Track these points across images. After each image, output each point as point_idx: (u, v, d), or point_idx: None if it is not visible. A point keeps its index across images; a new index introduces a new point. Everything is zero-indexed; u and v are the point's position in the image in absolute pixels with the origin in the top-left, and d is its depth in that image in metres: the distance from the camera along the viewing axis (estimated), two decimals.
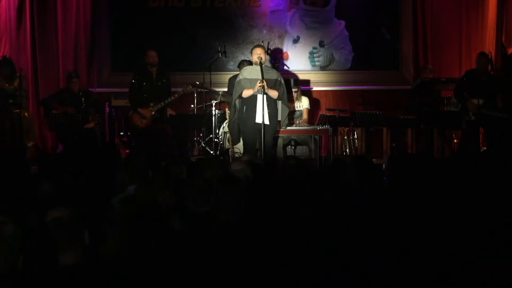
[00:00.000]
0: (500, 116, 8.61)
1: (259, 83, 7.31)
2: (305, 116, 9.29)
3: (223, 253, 2.96)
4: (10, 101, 8.94)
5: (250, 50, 8.01)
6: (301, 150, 8.84)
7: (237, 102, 7.77)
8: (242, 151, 8.09)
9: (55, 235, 2.81)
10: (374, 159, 8.12)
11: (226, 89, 9.50)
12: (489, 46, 10.25)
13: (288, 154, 8.61)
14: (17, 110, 8.95)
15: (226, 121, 9.21)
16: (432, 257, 3.01)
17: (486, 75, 8.83)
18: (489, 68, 9.03)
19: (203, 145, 9.77)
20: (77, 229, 2.83)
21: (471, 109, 8.63)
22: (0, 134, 8.98)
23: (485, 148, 9.23)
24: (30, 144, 9.21)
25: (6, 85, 9.02)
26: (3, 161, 5.32)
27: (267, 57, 8.45)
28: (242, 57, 9.76)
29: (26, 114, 9.17)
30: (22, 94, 9.13)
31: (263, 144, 7.35)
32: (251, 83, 7.54)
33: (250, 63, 8.94)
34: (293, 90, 9.24)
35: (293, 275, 2.88)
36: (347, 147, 9.82)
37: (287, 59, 10.78)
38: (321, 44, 10.83)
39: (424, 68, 10.15)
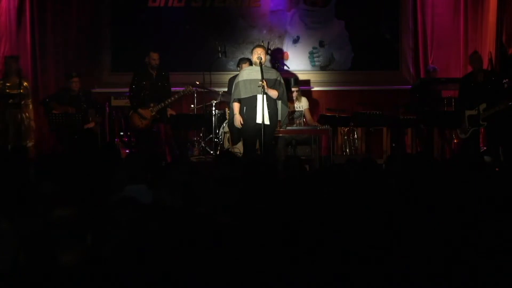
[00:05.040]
0: (501, 107, 8.56)
1: (260, 83, 7.33)
2: (308, 116, 9.28)
3: (223, 253, 2.96)
4: (10, 101, 9.00)
5: (250, 50, 8.01)
6: (301, 150, 8.85)
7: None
8: (242, 151, 8.09)
9: (57, 234, 2.81)
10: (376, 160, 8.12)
11: (226, 89, 9.50)
12: (489, 46, 10.25)
13: (288, 154, 8.61)
14: (17, 110, 9.02)
15: (226, 121, 9.22)
16: (432, 257, 3.02)
17: (482, 74, 8.84)
18: (488, 67, 9.06)
19: (203, 145, 9.78)
20: (79, 228, 2.83)
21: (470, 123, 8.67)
22: (1, 134, 9.06)
23: (485, 148, 9.24)
24: (30, 144, 9.24)
25: (18, 80, 9.13)
26: (4, 160, 5.32)
27: (267, 57, 8.45)
28: (241, 57, 9.77)
29: (27, 114, 9.22)
30: (24, 94, 9.19)
31: (263, 144, 7.35)
32: (250, 83, 7.55)
33: (249, 60, 8.96)
34: (294, 89, 9.23)
35: (293, 276, 2.88)
36: (347, 147, 9.82)
37: (287, 59, 10.78)
38: (321, 44, 10.83)
39: (433, 70, 10.16)
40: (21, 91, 9.18)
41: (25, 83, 9.29)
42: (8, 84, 9.25)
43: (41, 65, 10.42)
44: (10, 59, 9.50)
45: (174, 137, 9.61)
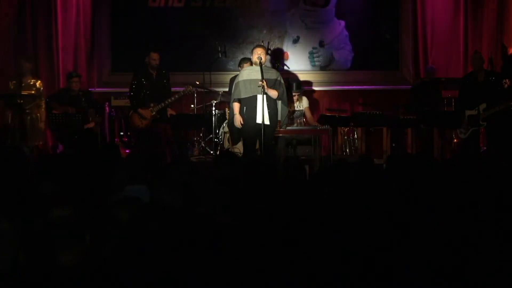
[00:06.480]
0: (501, 107, 8.55)
1: (260, 83, 7.33)
2: (309, 115, 9.25)
3: (223, 253, 2.96)
4: (21, 101, 9.02)
5: (250, 50, 8.02)
6: (302, 150, 8.85)
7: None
8: (242, 151, 8.10)
9: (56, 234, 2.81)
10: (374, 159, 8.12)
11: (226, 89, 9.50)
12: (489, 46, 10.25)
13: (288, 154, 8.61)
14: (22, 111, 9.04)
15: (226, 121, 9.22)
16: (432, 257, 3.02)
17: (483, 73, 8.84)
18: (488, 67, 9.06)
19: (203, 145, 9.78)
20: (79, 228, 2.83)
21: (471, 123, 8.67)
22: (5, 134, 9.10)
23: (485, 148, 9.24)
24: (34, 144, 9.24)
25: (32, 80, 9.12)
26: (5, 160, 5.32)
27: (268, 57, 8.45)
28: (242, 57, 9.78)
29: (38, 114, 9.22)
30: (35, 95, 9.19)
31: (263, 144, 7.35)
32: (250, 83, 7.55)
33: (250, 60, 8.95)
34: (295, 93, 9.18)
35: (293, 276, 2.88)
36: (347, 147, 9.82)
37: (287, 59, 10.78)
38: (321, 44, 10.83)
39: (431, 70, 10.16)
40: (33, 92, 9.18)
41: (38, 84, 9.27)
42: (22, 85, 9.22)
43: (41, 65, 10.42)
44: (22, 59, 9.46)
45: (174, 137, 9.61)
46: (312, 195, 4.05)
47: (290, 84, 9.13)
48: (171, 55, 10.15)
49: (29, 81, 9.21)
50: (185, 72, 10.26)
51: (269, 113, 7.45)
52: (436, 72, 10.24)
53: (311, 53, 10.84)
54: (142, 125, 9.08)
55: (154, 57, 9.08)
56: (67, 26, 10.52)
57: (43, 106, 9.28)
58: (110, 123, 10.09)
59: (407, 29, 10.71)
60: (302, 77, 10.48)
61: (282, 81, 7.78)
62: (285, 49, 10.79)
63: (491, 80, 8.79)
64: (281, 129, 8.28)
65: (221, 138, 9.46)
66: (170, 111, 9.28)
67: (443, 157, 9.13)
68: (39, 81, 9.34)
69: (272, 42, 10.61)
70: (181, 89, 9.32)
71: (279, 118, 7.88)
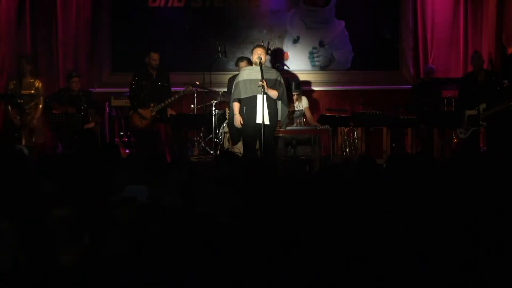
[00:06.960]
0: (501, 107, 8.55)
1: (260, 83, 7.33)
2: (309, 115, 9.28)
3: (223, 253, 2.96)
4: (21, 101, 9.03)
5: (250, 50, 8.02)
6: (301, 150, 8.85)
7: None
8: (242, 151, 8.10)
9: (56, 233, 2.81)
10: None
11: (226, 89, 9.50)
12: (489, 46, 10.25)
13: (288, 154, 8.62)
14: (20, 111, 9.05)
15: (226, 121, 9.22)
16: (431, 257, 3.02)
17: (483, 73, 8.85)
18: (488, 67, 9.05)
19: (203, 145, 9.78)
20: (78, 228, 2.83)
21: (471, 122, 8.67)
22: (5, 133, 9.11)
23: (485, 148, 9.24)
24: (35, 143, 9.25)
25: (31, 80, 9.12)
26: (5, 160, 5.31)
27: (268, 57, 8.45)
28: (239, 56, 9.76)
29: (33, 114, 9.24)
30: (34, 94, 9.20)
31: (263, 144, 7.35)
32: (250, 83, 7.55)
33: (246, 59, 8.97)
34: (295, 93, 9.22)
35: (293, 276, 2.88)
36: (347, 147, 9.82)
37: (287, 59, 10.78)
38: (321, 44, 10.83)
39: (431, 70, 10.16)
40: (32, 91, 9.19)
41: (37, 83, 9.27)
42: (22, 85, 9.22)
43: (41, 65, 10.41)
44: (23, 60, 9.46)
45: (174, 137, 9.61)
46: (312, 195, 4.05)
47: (290, 84, 9.15)
48: (171, 55, 10.15)
49: (28, 81, 9.22)
50: (185, 72, 10.26)
51: (269, 113, 7.45)
52: (436, 72, 10.24)
53: (311, 53, 10.84)
54: (142, 125, 9.08)
55: (155, 57, 9.08)
56: (67, 26, 10.51)
57: (40, 105, 9.29)
58: (110, 123, 10.09)
59: (407, 29, 10.71)
60: (302, 77, 10.48)
61: (282, 81, 7.78)
62: (285, 49, 10.79)
63: (491, 80, 8.79)
64: (281, 129, 8.29)
65: (221, 138, 9.46)
66: (170, 111, 9.28)
67: (443, 157, 9.12)
68: (38, 81, 9.34)
69: (272, 42, 10.61)
70: (181, 89, 9.32)
71: (279, 118, 7.88)
